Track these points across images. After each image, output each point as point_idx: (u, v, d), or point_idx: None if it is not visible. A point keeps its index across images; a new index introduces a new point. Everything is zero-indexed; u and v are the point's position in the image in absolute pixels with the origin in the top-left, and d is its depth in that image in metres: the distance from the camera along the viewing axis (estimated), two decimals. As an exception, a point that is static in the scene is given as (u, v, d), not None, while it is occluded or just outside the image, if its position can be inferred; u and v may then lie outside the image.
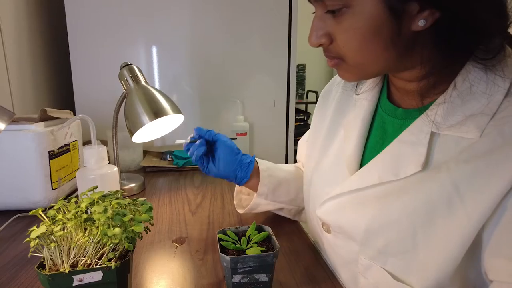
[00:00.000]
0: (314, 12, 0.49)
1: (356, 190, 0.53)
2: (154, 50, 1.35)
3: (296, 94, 1.99)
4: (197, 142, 0.69)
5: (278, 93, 1.42)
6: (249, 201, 0.77)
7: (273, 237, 0.55)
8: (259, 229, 0.58)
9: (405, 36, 0.44)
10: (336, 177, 0.59)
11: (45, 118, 0.87)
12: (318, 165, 0.65)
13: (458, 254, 0.42)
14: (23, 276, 0.59)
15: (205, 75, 1.38)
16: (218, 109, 1.41)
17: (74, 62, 1.31)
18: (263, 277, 0.52)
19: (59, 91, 1.46)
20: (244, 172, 0.71)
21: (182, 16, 1.33)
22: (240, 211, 0.78)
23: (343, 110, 0.64)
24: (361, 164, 0.56)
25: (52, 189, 0.85)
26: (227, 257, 0.49)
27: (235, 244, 0.54)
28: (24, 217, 0.82)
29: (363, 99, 0.59)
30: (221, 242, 0.54)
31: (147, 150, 1.30)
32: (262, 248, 0.53)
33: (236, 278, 0.51)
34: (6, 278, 0.58)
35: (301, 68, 2.98)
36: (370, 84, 0.59)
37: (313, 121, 0.73)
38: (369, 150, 0.57)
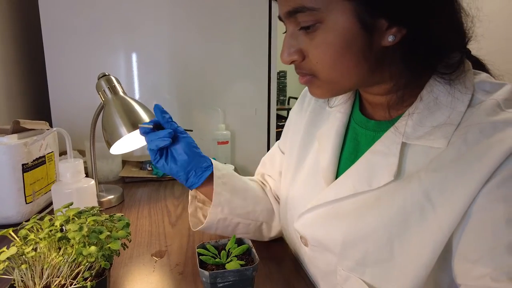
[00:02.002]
0: (285, 32, 0.50)
1: (332, 202, 0.54)
2: (134, 58, 1.33)
3: (277, 100, 2.01)
4: (164, 131, 0.61)
5: (259, 101, 1.43)
6: (203, 213, 0.71)
7: (253, 250, 0.55)
8: (239, 242, 0.58)
9: (376, 51, 0.45)
10: (312, 189, 0.59)
11: (18, 129, 0.85)
12: (294, 177, 0.65)
13: (431, 260, 0.44)
14: (-6, 297, 0.56)
15: (185, 83, 1.37)
16: (199, 117, 1.41)
17: (50, 71, 1.27)
18: (243, 291, 0.51)
19: (34, 101, 1.41)
20: (198, 177, 0.64)
21: (161, 24, 1.32)
22: (194, 227, 0.68)
23: (317, 122, 0.64)
24: (337, 175, 0.57)
25: (26, 203, 0.83)
26: (206, 273, 0.49)
27: (215, 258, 0.54)
28: (-5, 233, 0.79)
29: (336, 111, 0.60)
30: (200, 257, 0.53)
31: (126, 160, 1.28)
32: (242, 262, 0.52)
33: (216, 293, 0.50)
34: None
35: (282, 75, 3.01)
36: (343, 98, 0.61)
37: (288, 132, 0.72)
38: (343, 161, 0.58)
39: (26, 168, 0.82)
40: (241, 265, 0.51)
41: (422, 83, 0.49)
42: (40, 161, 0.88)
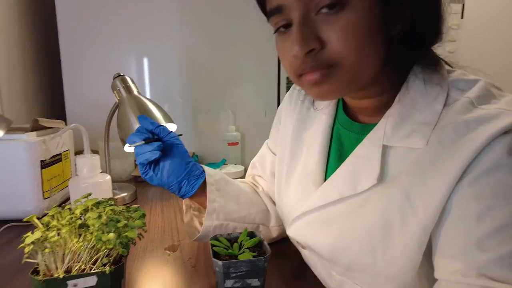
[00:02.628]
0: (276, 31, 0.47)
1: (320, 208, 0.54)
2: (145, 61, 1.36)
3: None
4: (153, 144, 0.59)
5: (269, 102, 1.45)
6: (199, 221, 0.70)
7: (265, 242, 0.56)
8: (251, 235, 0.59)
9: (387, 39, 0.44)
10: (303, 194, 0.59)
11: (37, 127, 0.88)
12: (286, 182, 0.64)
13: (416, 262, 0.44)
14: (15, 285, 0.59)
15: (196, 85, 1.40)
16: (209, 119, 1.43)
17: (66, 72, 1.31)
18: (255, 282, 0.53)
19: (50, 101, 1.45)
20: (191, 186, 0.62)
21: (172, 27, 1.35)
22: (191, 237, 0.67)
23: (304, 124, 0.63)
24: (326, 178, 0.56)
25: (44, 198, 0.85)
26: (220, 262, 0.50)
27: (227, 249, 0.55)
28: (15, 227, 0.81)
29: (321, 113, 0.60)
30: (213, 248, 0.55)
31: (139, 160, 1.30)
32: (254, 253, 0.54)
33: (229, 283, 0.52)
34: (-3, 287, 0.58)
35: (289, 80, 3.03)
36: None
37: (276, 132, 0.70)
38: (330, 164, 0.57)
39: (44, 165, 0.85)
40: (253, 256, 0.52)
41: (400, 83, 0.49)
42: (57, 158, 0.91)
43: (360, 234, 0.48)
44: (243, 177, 1.12)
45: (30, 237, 0.43)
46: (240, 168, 1.30)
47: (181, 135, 0.65)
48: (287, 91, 0.72)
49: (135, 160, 1.27)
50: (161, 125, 0.62)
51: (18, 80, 1.23)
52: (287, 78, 1.50)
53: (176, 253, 0.69)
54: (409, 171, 0.45)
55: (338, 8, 0.41)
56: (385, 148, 0.48)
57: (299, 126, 0.64)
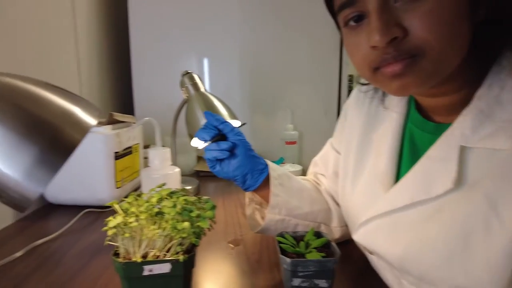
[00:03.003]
0: (344, 25, 0.45)
1: (389, 213, 0.50)
2: (206, 60, 1.40)
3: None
4: (222, 144, 0.62)
5: (329, 101, 1.41)
6: (261, 215, 0.70)
7: (333, 243, 0.55)
8: (317, 235, 0.58)
9: (471, 26, 0.41)
10: (370, 198, 0.55)
11: (111, 121, 0.94)
12: (353, 184, 0.61)
13: (502, 276, 0.39)
14: (94, 265, 0.63)
15: (255, 84, 1.41)
16: (267, 117, 1.43)
17: (135, 72, 1.40)
18: (323, 283, 0.51)
19: (120, 98, 1.56)
20: (255, 179, 0.64)
21: (233, 28, 1.37)
22: (253, 229, 0.69)
23: (373, 123, 0.60)
24: (397, 181, 0.53)
25: (116, 188, 0.91)
26: (288, 260, 0.49)
27: (294, 247, 0.54)
28: (91, 212, 0.88)
29: (392, 111, 0.56)
30: (280, 244, 0.54)
31: (200, 156, 1.35)
32: (322, 254, 0.52)
33: (296, 282, 0.51)
34: (79, 266, 0.63)
35: (349, 79, 2.95)
36: (398, 97, 0.56)
37: (342, 130, 0.68)
38: (403, 167, 0.53)
39: (117, 156, 0.91)
40: (322, 257, 0.51)
41: (481, 77, 0.44)
42: (128, 151, 0.97)
43: (434, 242, 0.44)
44: (302, 176, 1.11)
45: (112, 221, 0.46)
46: (298, 167, 1.28)
47: (244, 124, 0.68)
48: (348, 90, 0.70)
49: (197, 156, 1.32)
50: (226, 121, 0.65)
51: (95, 79, 1.33)
52: (349, 76, 1.46)
53: (240, 247, 0.70)
54: (494, 176, 0.40)
55: None
56: (463, 150, 0.43)
57: (367, 126, 0.61)
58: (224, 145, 0.62)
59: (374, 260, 0.57)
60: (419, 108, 0.54)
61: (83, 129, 0.34)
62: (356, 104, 0.65)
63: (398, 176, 0.54)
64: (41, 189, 0.33)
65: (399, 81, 0.42)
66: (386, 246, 0.50)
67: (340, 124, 0.71)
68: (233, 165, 0.63)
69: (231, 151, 0.63)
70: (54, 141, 0.32)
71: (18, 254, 0.66)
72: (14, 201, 0.34)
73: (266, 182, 0.65)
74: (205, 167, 1.26)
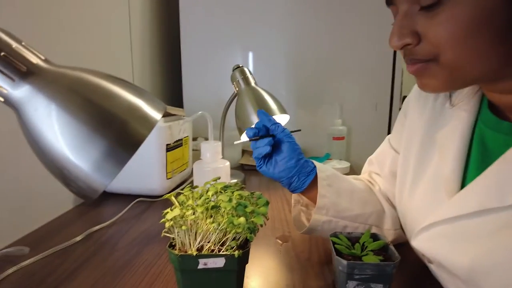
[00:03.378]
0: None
1: (453, 219, 0.46)
2: (251, 54, 1.39)
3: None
4: (265, 139, 0.62)
5: (381, 95, 1.35)
6: (306, 217, 0.69)
7: (391, 247, 0.52)
8: (374, 237, 0.55)
9: None
10: (432, 203, 0.52)
11: (164, 114, 0.97)
12: (412, 186, 0.57)
13: None
14: (147, 253, 0.65)
15: (301, 77, 1.38)
16: (314, 112, 1.40)
17: (185, 67, 1.43)
18: (379, 287, 0.49)
19: (171, 94, 1.61)
20: (302, 181, 0.63)
21: (279, 19, 1.35)
22: (299, 230, 0.67)
23: (437, 122, 0.55)
24: (463, 187, 0.48)
25: (167, 178, 0.94)
26: (344, 262, 0.47)
27: (349, 249, 0.52)
28: (143, 202, 0.91)
29: (460, 109, 0.51)
30: (335, 245, 0.52)
31: (245, 150, 1.35)
32: (380, 257, 0.50)
33: (351, 285, 0.49)
34: (133, 253, 0.65)
35: (403, 72, 2.81)
36: (468, 93, 0.51)
37: (402, 128, 0.64)
38: (471, 170, 0.49)
39: (168, 148, 0.93)
40: (380, 260, 0.48)
41: None
42: (178, 143, 0.99)
43: (510, 257, 0.40)
44: (349, 174, 1.07)
45: (170, 213, 0.47)
46: (346, 164, 1.24)
47: (299, 130, 0.68)
48: (401, 84, 0.65)
49: (242, 149, 1.32)
50: (277, 123, 0.64)
51: (147, 74, 1.38)
52: (403, 70, 1.38)
53: (288, 244, 0.69)
54: None
55: (436, 6, 0.39)
56: None
57: (431, 125, 0.56)
58: (266, 140, 0.62)
59: (433, 270, 0.53)
60: (492, 106, 0.49)
61: (149, 124, 0.34)
62: (418, 99, 0.60)
63: (464, 181, 0.49)
64: (108, 181, 0.34)
65: (419, 80, 0.45)
66: (451, 255, 0.46)
67: (399, 121, 0.67)
68: (279, 166, 0.62)
69: (278, 151, 0.63)
70: (122, 135, 0.33)
71: (78, 238, 0.70)
72: (82, 191, 0.35)
73: (314, 183, 0.63)
74: (249, 160, 1.26)
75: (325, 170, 0.64)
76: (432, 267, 0.53)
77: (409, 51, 0.43)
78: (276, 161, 0.63)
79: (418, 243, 0.52)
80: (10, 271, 0.58)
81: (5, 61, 0.32)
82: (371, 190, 0.69)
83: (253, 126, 0.66)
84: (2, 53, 0.32)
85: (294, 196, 0.70)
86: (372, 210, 0.65)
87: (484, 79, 0.44)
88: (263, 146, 0.62)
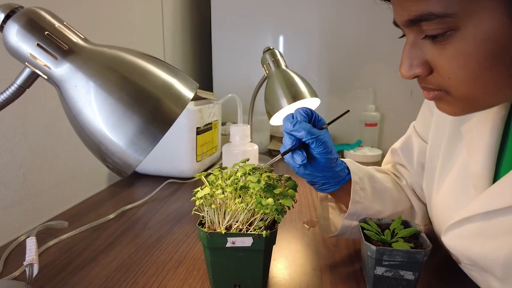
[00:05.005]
0: (401, 37, 0.42)
1: (485, 214, 0.43)
2: (281, 38, 1.37)
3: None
4: (297, 159, 0.52)
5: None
6: (335, 215, 0.63)
7: (423, 234, 0.50)
8: (405, 225, 0.54)
9: None
10: (460, 198, 0.49)
11: (194, 97, 0.98)
12: (439, 180, 0.54)
13: None
14: (177, 232, 0.67)
15: (333, 61, 1.35)
16: (346, 97, 1.37)
17: (215, 52, 1.43)
18: (409, 275, 0.48)
19: (201, 77, 1.62)
20: (332, 186, 0.57)
21: (312, 2, 1.32)
22: (326, 234, 0.62)
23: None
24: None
25: (196, 161, 0.95)
26: (373, 247, 0.47)
27: (379, 235, 0.51)
28: (173, 183, 0.94)
29: None
30: (364, 231, 0.51)
31: (273, 135, 1.35)
32: (411, 244, 0.48)
33: (379, 270, 0.48)
34: (163, 231, 0.68)
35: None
36: None
37: (429, 115, 0.59)
38: (505, 167, 0.45)
39: (198, 131, 0.94)
40: (411, 247, 0.47)
41: None
42: (208, 127, 1.00)
43: None
44: (380, 162, 1.05)
45: (200, 192, 0.48)
46: (377, 152, 1.21)
47: (347, 112, 0.58)
48: None
49: (271, 135, 1.32)
50: (314, 136, 0.51)
51: (178, 57, 1.39)
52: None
53: (315, 229, 0.69)
54: None
55: (444, 37, 0.37)
56: None
57: (458, 117, 0.52)
58: (299, 159, 0.52)
59: (464, 269, 0.51)
60: None
61: (182, 102, 0.35)
62: None
63: (496, 177, 0.46)
64: (142, 157, 0.35)
65: (437, 104, 0.44)
66: (483, 252, 0.44)
67: (426, 106, 0.62)
68: (310, 175, 0.55)
69: (312, 161, 0.54)
70: (156, 113, 0.34)
71: (111, 216, 0.73)
72: (117, 166, 0.37)
73: (346, 184, 0.57)
74: (278, 146, 1.26)
75: (358, 171, 0.59)
76: (461, 266, 0.51)
77: (422, 79, 0.42)
78: (310, 170, 0.55)
79: (449, 240, 0.50)
80: (51, 243, 0.61)
81: (49, 40, 0.34)
82: (399, 186, 0.65)
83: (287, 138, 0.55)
84: (46, 32, 0.34)
85: (320, 195, 0.64)
86: (402, 209, 0.61)
87: (508, 100, 0.43)
88: (295, 165, 0.54)
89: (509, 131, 0.46)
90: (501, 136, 0.46)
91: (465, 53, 0.36)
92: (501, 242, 0.42)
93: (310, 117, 0.55)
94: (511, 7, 0.33)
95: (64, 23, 0.36)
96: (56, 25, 0.35)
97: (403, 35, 0.43)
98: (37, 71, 0.35)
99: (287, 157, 0.54)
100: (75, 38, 0.35)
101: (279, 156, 0.53)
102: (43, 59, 0.34)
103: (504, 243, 0.42)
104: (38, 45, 0.33)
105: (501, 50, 0.35)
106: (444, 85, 0.40)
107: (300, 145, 0.53)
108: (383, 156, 1.19)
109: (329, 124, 0.55)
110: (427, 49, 0.39)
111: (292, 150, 0.53)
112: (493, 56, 0.35)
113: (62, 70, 0.34)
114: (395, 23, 0.43)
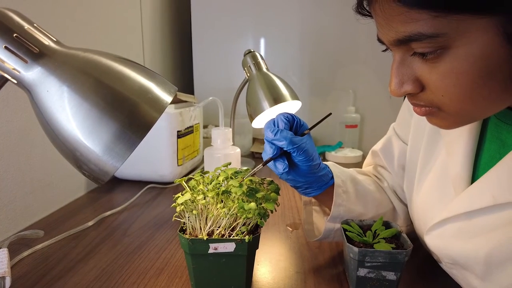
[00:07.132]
0: (384, 50, 0.42)
1: (466, 214, 0.44)
2: (262, 40, 1.37)
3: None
4: (279, 166, 0.52)
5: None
6: (319, 218, 0.64)
7: (403, 234, 0.51)
8: (387, 225, 0.55)
9: None
10: (440, 199, 0.50)
11: (174, 100, 0.96)
12: (419, 183, 0.55)
13: None
14: (158, 238, 0.66)
15: (314, 63, 1.36)
16: (326, 98, 1.38)
17: (196, 54, 1.42)
18: (391, 275, 0.48)
19: (181, 80, 1.60)
20: (315, 190, 0.57)
21: (292, 5, 1.32)
22: (309, 238, 0.62)
23: None
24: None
25: (178, 165, 0.94)
26: (355, 249, 0.47)
27: (361, 236, 0.51)
28: (154, 188, 0.92)
29: None
30: (346, 232, 0.52)
31: (256, 138, 1.34)
32: (392, 245, 0.49)
33: (362, 272, 0.48)
34: (144, 238, 0.66)
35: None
36: None
37: (409, 117, 0.60)
38: (483, 167, 0.46)
39: (179, 135, 0.93)
40: (393, 248, 0.48)
41: None
42: (189, 130, 0.99)
43: None
44: (361, 163, 1.06)
45: (181, 198, 0.47)
46: (358, 153, 1.23)
47: (329, 114, 0.56)
48: None
49: (253, 137, 1.32)
50: (296, 145, 0.50)
51: (158, 61, 1.37)
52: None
53: (298, 232, 0.69)
54: None
55: (434, 55, 0.36)
56: None
57: None
58: (280, 167, 0.52)
59: (444, 267, 0.52)
60: None
61: (159, 107, 0.34)
62: None
63: (474, 177, 0.47)
64: (119, 164, 0.34)
65: (428, 119, 0.44)
66: (464, 250, 0.45)
67: (406, 107, 0.63)
68: (293, 180, 0.55)
69: (294, 167, 0.53)
70: (133, 118, 0.33)
71: (90, 223, 0.71)
72: (94, 173, 0.36)
73: (330, 187, 0.57)
74: (260, 148, 1.25)
75: (340, 174, 0.59)
76: (442, 265, 0.51)
77: (413, 96, 0.41)
78: (292, 175, 0.54)
79: (431, 240, 0.51)
80: (25, 253, 0.59)
81: (18, 42, 0.32)
82: (381, 188, 0.66)
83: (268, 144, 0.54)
84: (15, 35, 0.32)
85: (304, 199, 0.65)
86: (385, 211, 0.62)
87: (497, 111, 0.42)
88: (278, 172, 0.53)
89: (486, 132, 0.47)
90: (478, 139, 0.47)
91: (457, 71, 0.36)
92: (481, 241, 0.43)
93: (292, 123, 0.53)
94: (502, 25, 0.33)
95: (35, 24, 0.34)
96: (26, 27, 0.33)
97: (386, 49, 0.43)
98: (6, 75, 0.33)
99: (270, 164, 0.53)
100: (46, 41, 0.34)
101: (260, 166, 0.52)
102: (12, 62, 0.32)
103: (484, 241, 0.42)
104: (6, 48, 0.32)
105: (493, 68, 0.35)
106: (436, 102, 0.40)
107: (282, 153, 0.52)
108: (363, 157, 1.21)
109: (311, 128, 0.54)
110: (416, 66, 0.39)
111: (273, 158, 0.52)
112: (486, 74, 0.35)
113: (33, 74, 0.33)
114: (380, 40, 0.42)
